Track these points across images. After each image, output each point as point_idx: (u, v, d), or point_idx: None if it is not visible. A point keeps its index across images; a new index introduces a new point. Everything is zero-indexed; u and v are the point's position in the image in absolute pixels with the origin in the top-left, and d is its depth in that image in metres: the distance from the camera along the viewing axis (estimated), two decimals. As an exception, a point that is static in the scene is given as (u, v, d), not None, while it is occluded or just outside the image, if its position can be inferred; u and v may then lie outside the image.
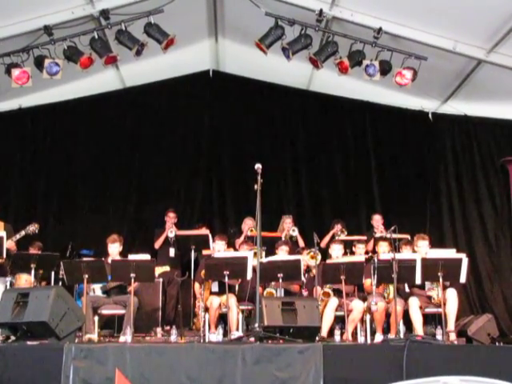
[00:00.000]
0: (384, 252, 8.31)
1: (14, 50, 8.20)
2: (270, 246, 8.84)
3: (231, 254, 8.44)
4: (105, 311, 8.04)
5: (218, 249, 8.49)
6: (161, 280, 9.24)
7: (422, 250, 8.01)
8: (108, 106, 11.13)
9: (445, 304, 7.55)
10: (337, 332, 7.69)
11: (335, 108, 11.42)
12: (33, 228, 8.67)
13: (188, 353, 5.90)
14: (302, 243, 9.73)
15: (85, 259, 8.39)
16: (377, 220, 9.93)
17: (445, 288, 7.63)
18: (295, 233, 9.77)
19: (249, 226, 9.77)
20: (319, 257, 8.51)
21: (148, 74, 10.77)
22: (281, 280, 7.88)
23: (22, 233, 8.59)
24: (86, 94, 10.76)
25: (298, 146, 11.52)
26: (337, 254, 8.45)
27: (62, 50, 8.22)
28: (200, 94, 11.36)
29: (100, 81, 10.41)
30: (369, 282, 7.88)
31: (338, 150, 11.44)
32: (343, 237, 9.58)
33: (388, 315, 8.03)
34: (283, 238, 9.53)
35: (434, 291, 7.81)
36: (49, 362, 5.75)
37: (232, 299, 7.89)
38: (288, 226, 9.91)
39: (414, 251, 8.14)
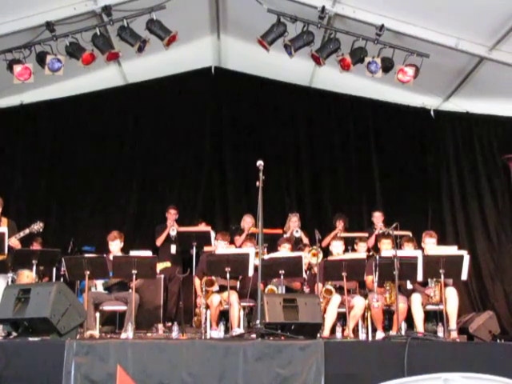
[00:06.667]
0: (387, 250, 8.31)
1: (15, 46, 8.20)
2: (272, 243, 8.83)
3: (233, 250, 8.43)
4: (106, 307, 8.04)
5: (220, 248, 8.44)
6: (162, 276, 9.28)
7: (428, 247, 8.01)
8: (110, 103, 11.15)
9: (445, 303, 7.55)
10: (338, 329, 7.70)
11: (337, 105, 11.42)
12: (37, 227, 8.56)
13: (189, 349, 5.90)
14: (305, 240, 9.72)
15: (86, 255, 8.36)
16: (377, 217, 9.92)
17: (445, 286, 7.62)
18: (298, 234, 9.75)
19: (248, 223, 9.75)
20: (321, 255, 8.51)
21: (150, 71, 10.76)
22: (282, 277, 7.88)
23: (27, 231, 8.47)
24: (88, 90, 10.77)
25: (300, 142, 11.52)
26: (337, 250, 8.46)
27: (64, 47, 8.22)
28: (202, 91, 11.35)
29: (102, 77, 10.41)
30: (370, 279, 7.88)
31: (340, 147, 11.44)
32: (345, 234, 9.58)
33: (390, 313, 8.04)
34: (287, 235, 9.54)
35: (432, 289, 7.80)
36: (50, 359, 5.74)
37: (233, 296, 7.90)
38: (294, 225, 9.89)
39: (415, 248, 8.14)
